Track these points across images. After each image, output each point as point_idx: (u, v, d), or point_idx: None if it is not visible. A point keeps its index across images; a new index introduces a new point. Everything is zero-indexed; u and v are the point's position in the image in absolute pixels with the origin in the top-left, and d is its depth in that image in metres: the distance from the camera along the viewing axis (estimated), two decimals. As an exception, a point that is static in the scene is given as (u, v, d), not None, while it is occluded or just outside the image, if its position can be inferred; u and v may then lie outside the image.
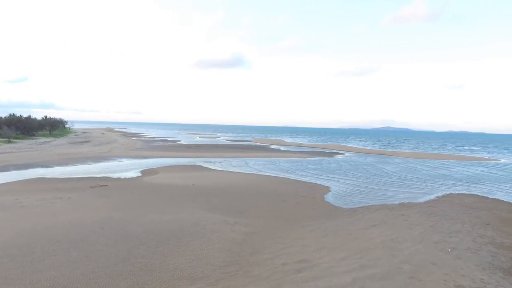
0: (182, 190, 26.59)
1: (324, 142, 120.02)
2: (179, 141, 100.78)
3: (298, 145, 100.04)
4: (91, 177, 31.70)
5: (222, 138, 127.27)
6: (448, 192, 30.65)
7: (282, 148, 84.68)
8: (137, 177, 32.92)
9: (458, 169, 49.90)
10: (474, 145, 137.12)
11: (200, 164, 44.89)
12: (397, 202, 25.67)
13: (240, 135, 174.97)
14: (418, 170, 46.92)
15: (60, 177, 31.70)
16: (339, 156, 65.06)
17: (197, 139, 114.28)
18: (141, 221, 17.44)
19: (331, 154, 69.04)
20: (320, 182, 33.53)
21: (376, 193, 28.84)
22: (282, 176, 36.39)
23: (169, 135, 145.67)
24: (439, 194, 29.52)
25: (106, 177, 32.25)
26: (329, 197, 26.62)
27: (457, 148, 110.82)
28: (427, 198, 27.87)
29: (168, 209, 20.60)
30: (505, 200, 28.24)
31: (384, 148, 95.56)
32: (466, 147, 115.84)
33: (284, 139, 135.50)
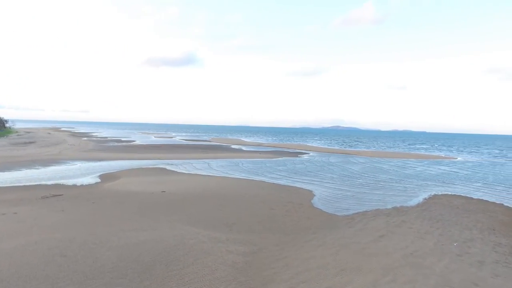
0: (152, 198, 23.05)
1: (283, 142, 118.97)
2: (134, 141, 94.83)
3: (259, 144, 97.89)
4: (41, 185, 27.04)
5: (178, 138, 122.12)
6: (432, 193, 29.61)
7: (244, 148, 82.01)
8: (96, 183, 28.66)
9: (423, 168, 50.03)
10: (423, 143, 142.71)
11: (163, 166, 41.02)
12: (390, 207, 23.95)
13: (195, 134, 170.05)
14: (387, 170, 46.29)
15: (2, 185, 26.76)
16: (305, 156, 63.57)
17: (153, 139, 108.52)
18: (113, 243, 13.98)
19: (296, 154, 67.42)
20: (298, 185, 31.28)
21: (362, 197, 27.04)
22: (256, 179, 33.70)
23: (122, 134, 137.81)
24: (425, 196, 28.34)
25: (60, 184, 27.73)
26: (317, 203, 24.32)
27: (410, 146, 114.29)
28: (415, 200, 26.50)
29: (141, 224, 17.16)
30: (489, 201, 27.60)
31: (344, 148, 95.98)
32: (417, 146, 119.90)
33: (242, 139, 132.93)
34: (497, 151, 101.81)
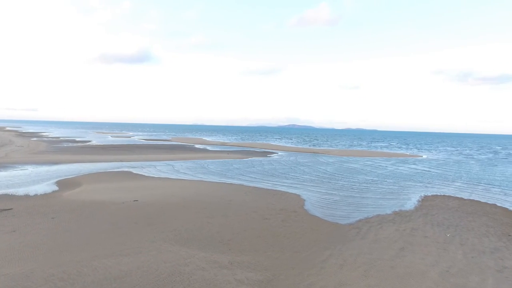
0: (125, 210, 19.59)
1: (246, 141, 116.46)
2: (90, 141, 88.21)
3: (223, 144, 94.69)
4: (-19, 197, 22.55)
5: (137, 138, 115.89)
6: (422, 195, 28.31)
7: (209, 147, 78.53)
8: (54, 192, 24.44)
9: (394, 168, 49.56)
10: (380, 141, 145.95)
11: (127, 169, 37.04)
12: (389, 212, 22.11)
13: (153, 133, 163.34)
14: (361, 170, 45.19)
15: None
16: (274, 156, 61.45)
17: (110, 139, 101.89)
18: (88, 277, 10.72)
19: (264, 154, 65.15)
20: (281, 189, 28.89)
21: (354, 202, 25.10)
22: (235, 183, 30.87)
23: (76, 134, 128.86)
24: (417, 198, 26.94)
25: (7, 194, 23.24)
26: (311, 210, 21.98)
27: (371, 144, 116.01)
28: (410, 203, 24.94)
29: (120, 246, 13.88)
30: (481, 201, 26.65)
31: (309, 146, 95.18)
32: (377, 144, 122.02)
33: (204, 138, 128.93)
34: (452, 148, 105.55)
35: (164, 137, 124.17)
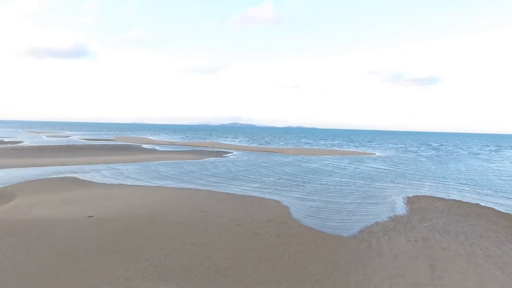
0: (78, 230, 15.38)
1: (193, 139, 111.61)
2: (21, 142, 78.42)
3: (172, 143, 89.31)
4: None
5: (76, 137, 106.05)
6: (402, 196, 26.89)
7: (158, 147, 73.13)
8: (-24, 209, 19.25)
9: (355, 166, 48.92)
10: (325, 139, 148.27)
11: (72, 175, 31.83)
12: (385, 218, 20.12)
13: (93, 133, 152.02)
14: (324, 170, 43.83)
15: None
16: (231, 156, 58.23)
17: (46, 139, 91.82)
18: None
19: (220, 154, 61.64)
20: (255, 195, 25.97)
21: (341, 208, 22.94)
22: (202, 190, 27.31)
23: (3, 134, 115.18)
24: (401, 200, 25.43)
25: None
26: (302, 220, 19.26)
27: (320, 142, 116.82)
28: (399, 207, 23.25)
29: (82, 288, 10.03)
30: (463, 201, 25.73)
31: (261, 145, 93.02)
32: (324, 142, 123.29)
33: (150, 137, 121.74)
34: (397, 146, 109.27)
35: (106, 137, 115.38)
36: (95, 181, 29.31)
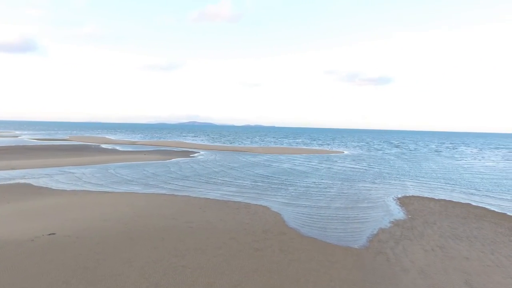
0: (38, 255, 12.29)
1: (153, 139, 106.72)
2: (-43, 143, 70.76)
3: (133, 143, 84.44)
4: None
5: (27, 137, 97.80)
6: (394, 197, 25.64)
7: (118, 148, 68.46)
8: None
9: (329, 166, 48.03)
10: (288, 137, 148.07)
11: (26, 181, 27.83)
12: (387, 223, 18.51)
13: (45, 132, 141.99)
14: (300, 171, 42.40)
15: None
16: (199, 156, 55.25)
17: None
18: None
19: (186, 154, 58.46)
20: (239, 200, 23.67)
21: (334, 214, 21.33)
22: (178, 195, 24.57)
23: None
24: (392, 202, 24.11)
25: None
26: (300, 229, 17.21)
27: (283, 140, 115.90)
28: (395, 210, 21.86)
29: None
30: (453, 201, 24.83)
31: (226, 144, 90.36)
32: (290, 140, 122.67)
33: (108, 136, 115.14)
34: (360, 143, 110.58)
35: (60, 136, 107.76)
36: (54, 187, 25.64)
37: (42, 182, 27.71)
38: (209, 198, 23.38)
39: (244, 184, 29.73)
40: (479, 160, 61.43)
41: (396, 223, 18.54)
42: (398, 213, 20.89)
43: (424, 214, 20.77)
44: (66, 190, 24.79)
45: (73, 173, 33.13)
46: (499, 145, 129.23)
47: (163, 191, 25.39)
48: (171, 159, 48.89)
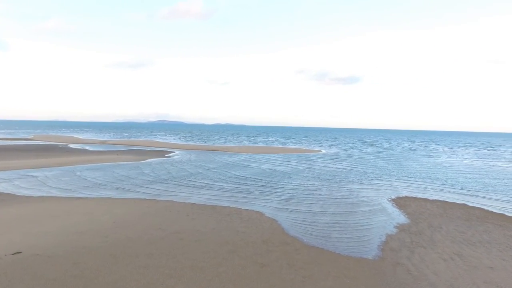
0: (0, 282, 10.07)
1: (125, 138, 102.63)
2: None
3: (103, 142, 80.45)
4: None
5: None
6: (389, 198, 24.58)
7: (88, 147, 64.72)
8: None
9: (309, 165, 47.14)
10: (260, 136, 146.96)
11: (-20, 186, 24.79)
12: (393, 229, 17.31)
13: (4, 131, 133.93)
14: (282, 172, 41.14)
15: None
16: (175, 156, 52.78)
17: None
18: None
19: (161, 154, 55.83)
20: (226, 204, 21.93)
21: (332, 220, 20.03)
22: (161, 199, 22.47)
23: None
24: (389, 204, 22.96)
25: None
26: (303, 238, 15.66)
27: (257, 139, 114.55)
28: (394, 213, 20.76)
29: None
30: (448, 201, 24.04)
31: (200, 143, 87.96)
32: (262, 139, 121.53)
33: (76, 136, 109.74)
34: (335, 142, 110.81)
35: (23, 135, 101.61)
36: (16, 193, 22.86)
37: (2, 187, 24.80)
38: (195, 203, 21.41)
39: (228, 187, 27.84)
40: (456, 158, 62.18)
41: (401, 228, 17.32)
42: (399, 216, 19.74)
43: (426, 217, 19.71)
44: (32, 196, 22.10)
45: (36, 176, 30.16)
46: (466, 143, 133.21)
47: (143, 196, 23.18)
48: (146, 159, 46.27)
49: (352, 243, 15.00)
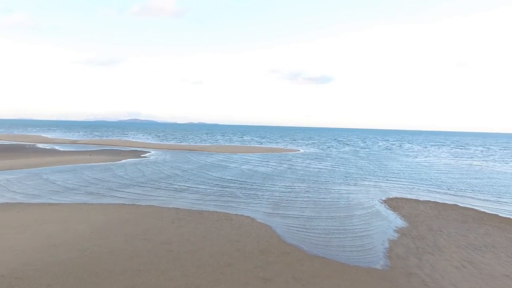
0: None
1: (96, 137, 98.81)
2: None
3: (73, 142, 76.76)
4: None
5: None
6: (380, 200, 23.89)
7: (58, 147, 61.33)
8: None
9: (289, 165, 46.30)
10: (235, 134, 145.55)
11: None
12: (393, 234, 16.49)
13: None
14: (264, 173, 40.10)
15: None
16: (151, 156, 50.67)
17: None
18: None
19: (136, 154, 53.51)
20: (211, 208, 20.60)
21: (327, 226, 19.15)
22: (142, 204, 20.81)
23: None
24: (382, 206, 22.24)
25: None
26: (303, 246, 14.53)
27: (232, 138, 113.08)
28: (390, 216, 19.99)
29: None
30: (439, 202, 23.56)
31: (175, 143, 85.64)
32: (241, 138, 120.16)
33: (43, 135, 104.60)
34: (311, 141, 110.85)
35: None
36: (-22, 200, 20.60)
37: (-37, 192, 22.42)
38: (179, 208, 19.89)
39: (210, 190, 26.30)
40: (433, 157, 62.91)
41: (402, 232, 16.51)
42: (396, 219, 18.96)
43: (423, 219, 19.03)
44: (-4, 203, 19.94)
45: (14, 177, 27.71)
46: (436, 142, 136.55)
47: (122, 201, 21.42)
48: (121, 160, 44.02)
49: (356, 252, 13.97)
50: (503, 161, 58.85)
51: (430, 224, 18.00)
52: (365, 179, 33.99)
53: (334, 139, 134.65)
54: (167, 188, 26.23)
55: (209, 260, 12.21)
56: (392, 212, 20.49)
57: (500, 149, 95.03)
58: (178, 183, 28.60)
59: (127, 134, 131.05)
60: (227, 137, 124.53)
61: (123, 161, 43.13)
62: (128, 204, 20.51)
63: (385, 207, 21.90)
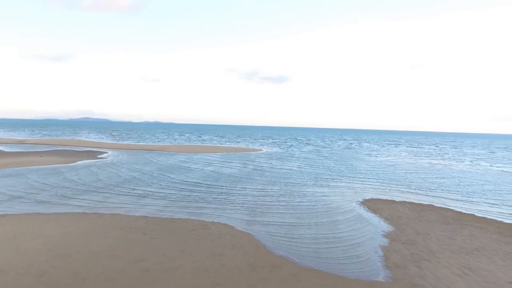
0: None
1: (46, 137, 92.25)
2: None
3: (21, 142, 70.72)
4: None
5: None
6: (358, 201, 23.14)
7: (2, 148, 55.95)
8: None
9: (255, 166, 45.32)
10: (194, 134, 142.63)
11: None
12: (382, 239, 15.74)
13: None
14: (232, 175, 38.52)
15: None
16: (108, 158, 47.43)
17: None
18: None
19: (93, 155, 49.94)
20: (181, 216, 18.87)
21: (313, 234, 18.17)
22: (106, 213, 18.64)
23: None
24: (361, 209, 21.51)
25: None
26: (294, 258, 13.31)
27: (192, 138, 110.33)
28: (373, 220, 19.34)
29: None
30: (415, 202, 23.38)
31: (132, 142, 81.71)
32: (198, 137, 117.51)
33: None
34: (272, 141, 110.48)
35: None
36: None
37: None
38: (148, 217, 17.97)
39: (178, 195, 24.29)
40: (395, 157, 64.21)
41: (391, 237, 15.76)
42: (379, 223, 18.29)
43: (405, 221, 18.51)
44: None
45: None
46: (391, 141, 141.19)
47: (80, 210, 19.08)
48: (76, 161, 40.67)
49: (352, 264, 12.90)
50: (459, 160, 61.24)
51: (415, 227, 17.44)
52: (336, 180, 33.46)
53: (294, 138, 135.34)
54: (130, 194, 24.02)
55: (193, 279, 10.62)
56: (374, 215, 19.80)
57: (451, 148, 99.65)
58: (141, 188, 26.40)
59: (79, 133, 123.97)
60: (185, 137, 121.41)
61: (79, 162, 39.89)
62: (89, 213, 18.27)
63: (365, 209, 21.21)
